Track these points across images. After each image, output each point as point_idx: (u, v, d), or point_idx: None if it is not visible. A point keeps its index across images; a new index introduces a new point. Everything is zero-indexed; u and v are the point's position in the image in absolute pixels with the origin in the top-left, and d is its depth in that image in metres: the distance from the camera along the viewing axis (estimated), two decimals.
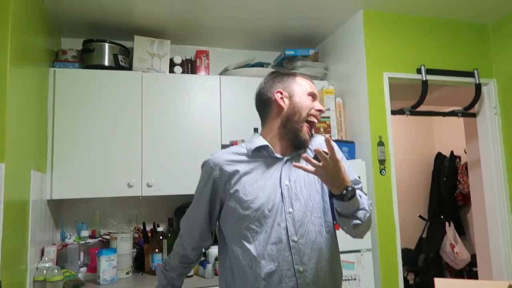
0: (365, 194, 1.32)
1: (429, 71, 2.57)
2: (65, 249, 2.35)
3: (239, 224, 1.21)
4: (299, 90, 1.29)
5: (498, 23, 2.74)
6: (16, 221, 1.76)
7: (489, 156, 2.72)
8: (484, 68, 2.72)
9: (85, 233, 2.43)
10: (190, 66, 2.75)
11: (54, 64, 2.46)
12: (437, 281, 1.20)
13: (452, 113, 2.91)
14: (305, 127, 1.27)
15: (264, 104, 1.32)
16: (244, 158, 1.28)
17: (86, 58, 2.52)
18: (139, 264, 2.48)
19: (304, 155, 1.14)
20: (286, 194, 1.22)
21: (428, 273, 4.34)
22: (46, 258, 2.12)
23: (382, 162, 2.43)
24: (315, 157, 1.13)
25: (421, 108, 2.74)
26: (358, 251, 2.27)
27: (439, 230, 4.44)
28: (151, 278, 2.31)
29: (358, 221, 1.21)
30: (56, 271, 2.02)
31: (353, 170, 1.35)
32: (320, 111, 1.30)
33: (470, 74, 2.67)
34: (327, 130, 2.49)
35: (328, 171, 1.11)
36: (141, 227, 2.62)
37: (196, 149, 2.50)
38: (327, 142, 1.10)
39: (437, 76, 2.60)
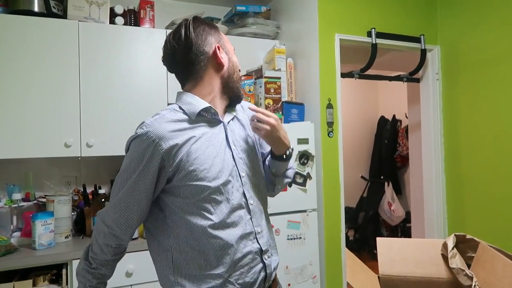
0: None
1: (378, 35, 2.59)
2: None
3: (197, 196, 1.08)
4: (229, 47, 1.24)
5: None
6: None
7: (429, 120, 2.86)
8: (430, 34, 2.78)
9: (17, 196, 2.25)
10: (133, 18, 2.54)
11: None
12: (379, 240, 1.24)
13: (398, 78, 2.99)
14: (240, 83, 1.28)
15: (197, 59, 1.15)
16: (187, 124, 1.11)
17: (12, 2, 2.23)
18: (80, 228, 2.37)
19: (255, 115, 1.19)
20: (236, 158, 1.19)
21: (366, 229, 4.63)
22: None
23: (330, 124, 2.45)
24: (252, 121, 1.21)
25: (369, 72, 2.77)
26: (304, 211, 2.33)
27: (378, 189, 4.71)
28: None
29: (288, 179, 1.32)
30: None
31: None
32: (239, 71, 1.30)
33: (417, 40, 2.73)
34: (277, 91, 2.46)
35: (275, 130, 1.19)
36: (81, 189, 2.48)
37: (141, 107, 2.36)
38: (260, 111, 1.19)
39: (386, 40, 2.63)
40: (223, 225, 1.10)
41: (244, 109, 1.33)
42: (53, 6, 2.29)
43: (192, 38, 1.15)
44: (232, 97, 1.24)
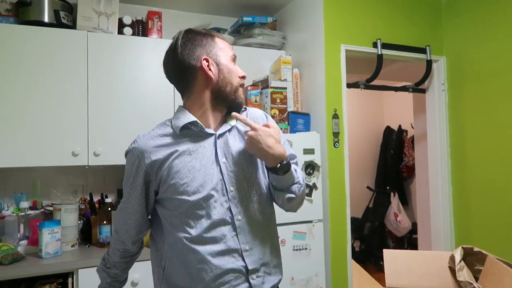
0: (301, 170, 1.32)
1: (384, 46, 2.60)
2: (2, 221, 2.19)
3: (178, 209, 1.12)
4: (224, 56, 1.18)
5: (451, 0, 2.80)
6: None
7: (435, 131, 2.85)
8: (435, 45, 2.79)
9: (25, 204, 2.26)
10: (141, 28, 2.57)
11: None
12: (385, 252, 1.24)
13: (404, 88, 2.99)
14: (240, 92, 1.20)
15: (185, 72, 1.16)
16: (171, 139, 1.14)
17: (22, 13, 2.27)
18: (86, 236, 2.38)
19: (236, 115, 1.15)
20: (225, 172, 1.14)
21: (372, 240, 4.59)
22: None
23: (336, 134, 2.45)
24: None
25: (374, 82, 2.78)
26: (310, 221, 2.32)
27: (384, 200, 4.68)
28: (98, 250, 2.22)
29: (292, 195, 1.20)
30: None
31: (290, 145, 1.32)
32: (243, 77, 1.22)
33: (423, 50, 2.73)
34: (283, 101, 2.47)
35: (255, 142, 1.11)
36: (88, 197, 2.49)
37: (147, 116, 2.38)
38: (242, 120, 1.13)
39: (391, 51, 2.64)
40: (201, 239, 1.10)
41: (254, 120, 1.26)
42: (62, 17, 2.33)
43: (179, 51, 1.15)
44: (229, 106, 1.19)
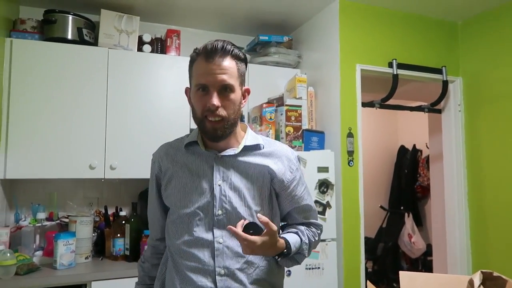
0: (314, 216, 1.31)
1: (400, 66, 2.61)
2: (19, 231, 2.22)
3: (170, 218, 1.22)
4: (192, 85, 1.16)
5: (467, 22, 2.81)
6: None
7: (451, 151, 2.82)
8: (451, 65, 2.79)
9: (41, 215, 2.30)
10: (160, 46, 2.64)
11: (11, 34, 2.28)
12: (402, 274, 1.22)
13: (419, 108, 2.98)
14: (206, 123, 1.13)
15: None
16: (179, 153, 1.22)
17: (47, 30, 2.36)
18: (99, 249, 2.40)
19: (231, 228, 1.02)
20: (217, 195, 1.15)
21: (385, 261, 4.51)
22: None
23: (350, 153, 2.45)
24: (250, 225, 1.04)
25: (389, 101, 2.78)
26: (323, 240, 2.30)
27: (398, 220, 4.61)
28: (111, 264, 2.24)
29: (297, 264, 1.23)
30: (8, 254, 1.91)
31: (304, 163, 1.33)
32: (209, 110, 1.10)
33: (438, 71, 2.73)
34: (298, 119, 2.48)
35: (262, 246, 1.03)
36: (103, 210, 2.52)
37: (164, 132, 2.42)
38: (264, 223, 1.02)
39: (407, 71, 2.64)
40: (182, 252, 1.16)
41: (285, 158, 1.23)
42: (85, 34, 2.41)
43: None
44: (201, 132, 1.18)
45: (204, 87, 1.11)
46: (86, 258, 2.24)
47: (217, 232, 1.14)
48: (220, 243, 1.13)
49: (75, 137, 2.27)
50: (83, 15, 2.43)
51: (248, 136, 1.22)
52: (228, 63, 1.13)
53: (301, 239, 1.20)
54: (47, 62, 2.25)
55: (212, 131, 1.13)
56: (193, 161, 1.19)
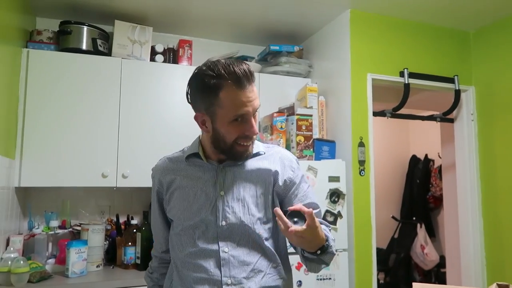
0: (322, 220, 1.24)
1: (411, 75, 2.60)
2: (33, 239, 2.25)
3: (174, 230, 1.22)
4: (223, 117, 1.09)
5: (480, 31, 2.79)
6: None
7: (464, 161, 2.78)
8: (463, 74, 2.76)
9: (54, 223, 2.33)
10: (172, 56, 2.67)
11: (27, 45, 2.33)
12: (415, 286, 1.20)
13: (431, 118, 2.96)
14: (236, 148, 1.14)
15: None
16: (180, 165, 1.22)
17: (63, 41, 2.41)
18: (111, 257, 2.41)
19: (277, 210, 1.00)
20: (220, 205, 1.14)
21: (398, 273, 4.44)
22: (12, 248, 2.01)
23: (362, 163, 2.43)
24: (292, 214, 1.01)
25: (401, 111, 2.76)
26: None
27: (410, 231, 4.54)
28: (122, 272, 2.24)
29: (325, 265, 1.17)
30: (22, 262, 1.92)
31: (315, 172, 1.31)
32: (247, 137, 1.12)
33: (451, 80, 2.71)
34: (309, 128, 2.48)
35: (306, 238, 1.00)
36: (114, 219, 2.54)
37: (175, 141, 2.41)
38: (307, 214, 0.98)
39: (419, 80, 2.63)
40: (187, 264, 1.15)
41: (286, 159, 1.24)
42: (99, 45, 2.45)
43: (187, 95, 1.17)
44: (227, 157, 1.17)
45: (242, 117, 1.09)
46: (98, 266, 2.25)
47: (222, 242, 1.13)
48: (225, 252, 1.12)
49: (88, 146, 2.30)
50: (98, 26, 2.48)
51: None
52: (254, 85, 1.12)
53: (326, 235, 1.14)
54: (62, 72, 2.30)
55: (243, 153, 1.15)
56: (195, 172, 1.19)
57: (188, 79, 1.16)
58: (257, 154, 1.22)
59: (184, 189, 1.18)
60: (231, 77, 1.06)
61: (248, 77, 1.08)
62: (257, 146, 1.23)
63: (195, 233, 1.15)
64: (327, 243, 1.09)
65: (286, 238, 1.16)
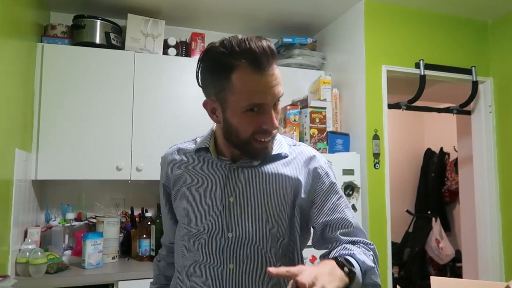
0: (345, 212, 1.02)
1: (427, 66, 2.54)
2: (49, 231, 2.29)
3: (179, 233, 1.09)
4: (234, 103, 0.91)
5: (498, 21, 2.72)
6: None
7: (482, 154, 2.72)
8: (481, 66, 2.70)
9: (70, 215, 2.36)
10: (184, 49, 2.67)
11: (42, 39, 2.35)
12: (433, 279, 1.18)
13: (447, 110, 2.90)
14: (253, 144, 0.95)
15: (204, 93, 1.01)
16: (188, 159, 1.07)
17: (76, 35, 2.42)
18: (126, 249, 2.44)
19: (271, 270, 0.75)
20: (227, 212, 0.98)
21: (412, 267, 4.39)
22: (30, 240, 2.05)
23: (376, 155, 2.40)
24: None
25: (416, 103, 2.71)
26: None
27: (425, 225, 4.49)
28: (137, 264, 2.27)
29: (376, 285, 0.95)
30: (39, 253, 1.96)
31: (349, 205, 1.04)
32: (265, 132, 0.94)
33: (468, 71, 2.65)
34: (323, 121, 2.46)
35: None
36: (129, 211, 2.56)
37: (189, 133, 2.40)
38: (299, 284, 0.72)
39: (435, 72, 2.58)
40: (189, 274, 1.02)
41: (312, 169, 1.03)
42: (112, 39, 2.46)
43: (197, 77, 0.99)
44: (243, 153, 1.00)
45: (259, 106, 0.91)
46: (113, 258, 2.27)
47: (227, 256, 0.98)
48: (230, 269, 0.97)
49: (103, 139, 2.32)
50: (111, 19, 2.49)
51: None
52: (276, 66, 0.92)
53: (349, 253, 0.91)
54: (76, 67, 2.31)
55: (262, 150, 0.97)
56: (204, 170, 1.04)
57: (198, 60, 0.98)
58: (279, 157, 1.03)
59: (190, 188, 1.04)
60: (246, 56, 0.87)
61: (268, 56, 0.88)
62: (280, 144, 1.04)
63: (199, 242, 1.00)
64: (345, 268, 0.84)
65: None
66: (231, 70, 0.89)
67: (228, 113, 0.94)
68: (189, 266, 1.02)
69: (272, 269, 0.74)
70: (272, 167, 1.02)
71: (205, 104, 0.99)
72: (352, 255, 0.90)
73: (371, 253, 0.97)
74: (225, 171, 1.02)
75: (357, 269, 0.86)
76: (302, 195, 1.01)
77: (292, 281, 0.74)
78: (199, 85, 0.99)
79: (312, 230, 1.06)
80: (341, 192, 1.05)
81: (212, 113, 0.98)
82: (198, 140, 1.09)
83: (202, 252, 0.99)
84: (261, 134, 0.94)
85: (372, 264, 0.92)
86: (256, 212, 0.98)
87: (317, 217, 1.00)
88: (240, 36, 0.90)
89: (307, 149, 1.08)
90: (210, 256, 0.99)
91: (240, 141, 0.96)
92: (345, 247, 0.94)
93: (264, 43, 0.89)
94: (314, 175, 1.03)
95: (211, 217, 0.99)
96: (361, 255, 0.91)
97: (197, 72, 0.98)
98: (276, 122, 0.94)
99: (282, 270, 0.75)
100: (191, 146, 1.10)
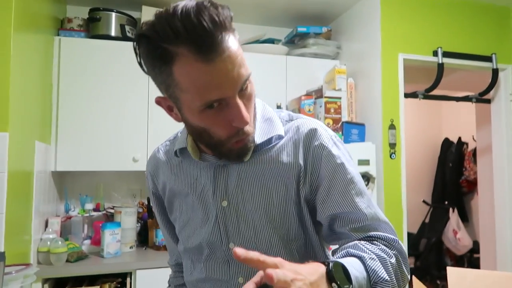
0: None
1: (445, 54, 2.49)
2: (69, 221, 2.34)
3: (180, 248, 0.96)
4: (187, 102, 0.73)
5: None
6: (20, 191, 1.74)
7: (501, 144, 2.67)
8: (502, 53, 2.62)
9: (89, 206, 2.42)
10: None
11: (59, 33, 2.39)
12: (450, 270, 1.17)
13: (466, 98, 2.84)
14: (229, 146, 0.78)
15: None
16: (172, 162, 0.92)
17: (92, 28, 2.45)
18: (143, 239, 2.48)
19: (238, 251, 0.55)
20: (222, 220, 0.83)
21: (428, 258, 4.36)
22: (50, 230, 2.11)
23: (392, 145, 2.38)
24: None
25: (434, 92, 2.66)
26: None
27: (442, 215, 4.44)
28: (154, 253, 2.31)
29: None
30: (60, 242, 2.02)
31: (364, 192, 0.82)
32: (238, 128, 0.74)
33: (488, 59, 2.58)
34: (338, 111, 2.44)
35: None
36: (146, 201, 2.60)
37: None
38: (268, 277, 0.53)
39: (453, 60, 2.52)
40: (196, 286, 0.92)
41: (312, 147, 0.82)
42: (127, 31, 2.48)
43: (143, 66, 0.76)
44: (215, 153, 0.83)
45: (219, 101, 0.71)
46: (131, 247, 2.32)
47: (236, 269, 0.84)
48: (241, 283, 0.84)
49: (120, 131, 2.35)
50: (126, 12, 2.50)
51: (257, 128, 0.82)
52: (231, 42, 0.69)
53: (358, 255, 0.71)
54: (93, 59, 2.34)
55: (239, 152, 0.79)
56: (189, 173, 0.88)
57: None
58: (270, 142, 0.83)
59: (178, 197, 0.90)
60: (185, 40, 0.65)
61: (214, 34, 0.65)
62: (270, 125, 0.84)
63: (201, 257, 0.88)
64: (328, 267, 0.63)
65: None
66: (169, 61, 0.68)
67: (185, 114, 0.76)
68: (196, 282, 0.91)
69: (240, 251, 0.55)
70: (265, 156, 0.82)
71: (158, 102, 0.80)
72: (361, 258, 0.70)
73: (395, 252, 0.75)
74: (211, 171, 0.85)
75: (358, 282, 0.65)
76: (305, 184, 0.81)
77: (260, 272, 0.56)
78: (144, 69, 0.78)
79: None
80: (353, 173, 0.81)
81: (169, 110, 0.80)
82: (179, 136, 0.92)
83: (206, 267, 0.87)
84: (237, 136, 0.76)
85: (387, 277, 0.69)
86: (255, 215, 0.82)
87: (321, 210, 0.80)
88: (181, 5, 0.65)
89: (305, 122, 0.85)
90: (216, 271, 0.86)
91: (213, 142, 0.78)
92: (355, 245, 0.73)
93: (206, 15, 0.64)
94: (315, 156, 0.81)
95: (206, 228, 0.85)
96: (373, 262, 0.69)
97: (139, 64, 0.75)
98: (247, 115, 0.72)
99: (254, 256, 0.55)
100: (172, 146, 0.93)
